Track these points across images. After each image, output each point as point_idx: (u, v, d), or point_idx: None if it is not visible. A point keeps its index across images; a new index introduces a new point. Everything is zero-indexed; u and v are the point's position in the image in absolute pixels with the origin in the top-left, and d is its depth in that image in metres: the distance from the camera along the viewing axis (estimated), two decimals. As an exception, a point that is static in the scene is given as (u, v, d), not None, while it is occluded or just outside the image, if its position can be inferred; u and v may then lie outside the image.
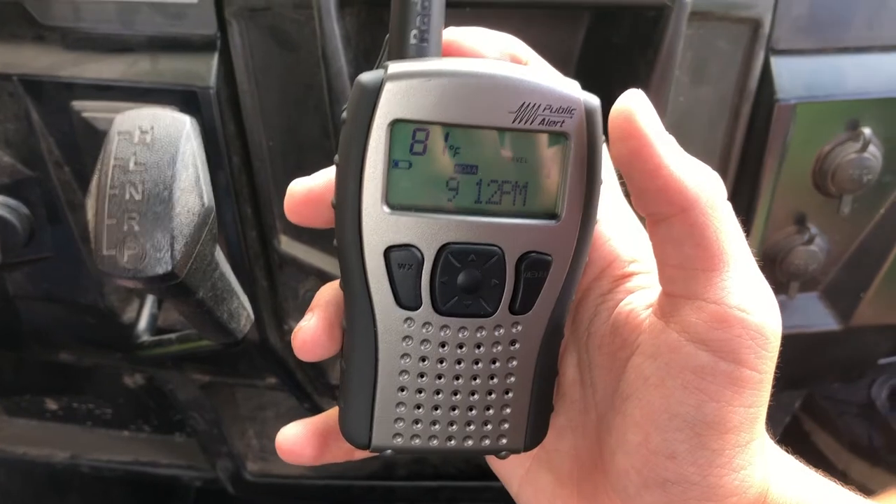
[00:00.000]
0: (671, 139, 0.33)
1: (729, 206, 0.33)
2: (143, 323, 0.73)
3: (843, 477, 1.09)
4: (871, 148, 0.70)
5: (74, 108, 0.68)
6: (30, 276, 0.77)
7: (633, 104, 0.32)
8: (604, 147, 0.37)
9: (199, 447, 1.08)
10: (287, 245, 0.75)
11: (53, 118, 0.70)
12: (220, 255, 0.48)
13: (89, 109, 0.68)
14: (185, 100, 0.67)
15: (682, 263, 0.33)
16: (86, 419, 1.14)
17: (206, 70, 0.67)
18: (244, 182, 0.72)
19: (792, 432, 1.05)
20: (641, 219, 0.36)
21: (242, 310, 0.53)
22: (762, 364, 0.33)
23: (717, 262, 0.32)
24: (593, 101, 0.34)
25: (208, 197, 0.42)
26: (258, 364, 0.85)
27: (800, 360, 0.81)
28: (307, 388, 0.85)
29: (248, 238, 0.75)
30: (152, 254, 0.40)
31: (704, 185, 0.32)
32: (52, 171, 0.72)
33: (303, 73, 0.67)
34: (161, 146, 0.41)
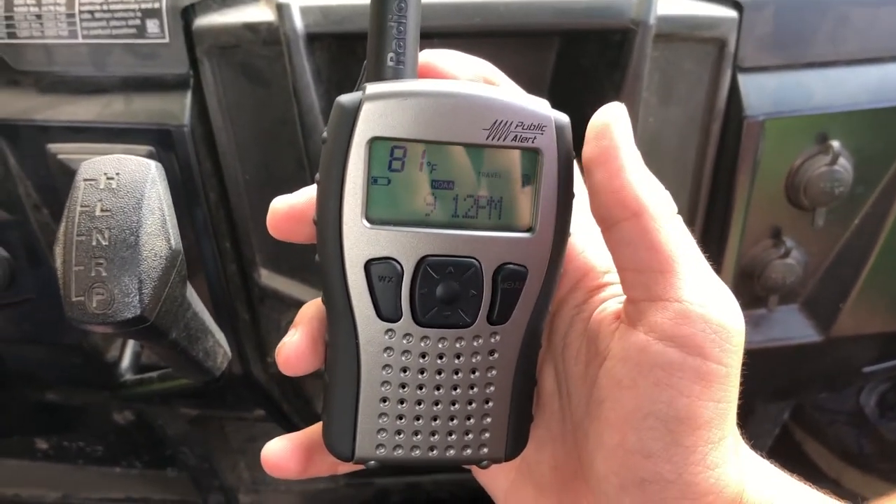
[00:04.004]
0: (637, 154, 0.35)
1: (679, 218, 0.35)
2: (126, 361, 0.73)
3: (835, 486, 1.09)
4: (841, 160, 0.70)
5: (50, 150, 0.69)
6: (12, 319, 0.77)
7: (614, 114, 0.35)
8: (575, 162, 0.37)
9: (190, 481, 1.07)
10: (267, 278, 0.75)
11: (30, 161, 0.70)
12: (192, 296, 0.48)
13: (65, 152, 0.69)
14: (160, 139, 0.67)
15: (638, 266, 0.35)
16: (77, 457, 1.13)
17: (179, 109, 0.67)
18: (222, 217, 0.72)
19: (783, 443, 1.05)
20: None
21: (219, 347, 0.53)
22: (726, 357, 0.34)
23: (670, 263, 0.34)
24: (563, 118, 0.35)
25: (175, 240, 0.43)
26: (245, 397, 0.85)
27: (784, 372, 0.81)
28: (294, 419, 0.84)
29: (229, 272, 0.75)
30: (120, 298, 0.40)
31: (655, 196, 0.34)
32: (31, 213, 0.72)
33: (275, 108, 0.68)
34: (127, 192, 0.42)
